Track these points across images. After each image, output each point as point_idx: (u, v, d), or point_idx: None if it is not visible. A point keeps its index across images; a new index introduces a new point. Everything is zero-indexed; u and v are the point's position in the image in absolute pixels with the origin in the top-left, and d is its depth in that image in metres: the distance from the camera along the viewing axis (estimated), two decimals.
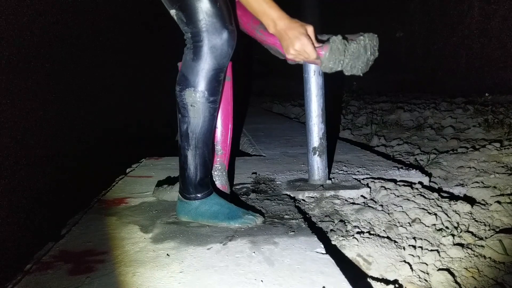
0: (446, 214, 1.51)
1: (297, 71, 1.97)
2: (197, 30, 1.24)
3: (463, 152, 2.44)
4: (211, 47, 1.25)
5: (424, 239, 1.38)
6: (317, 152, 1.79)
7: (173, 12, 1.26)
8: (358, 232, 1.42)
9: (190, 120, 1.31)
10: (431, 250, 1.32)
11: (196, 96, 1.29)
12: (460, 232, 1.43)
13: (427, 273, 1.25)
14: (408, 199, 1.61)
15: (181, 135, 1.34)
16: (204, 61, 1.26)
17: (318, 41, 1.29)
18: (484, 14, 5.21)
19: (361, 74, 1.32)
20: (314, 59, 1.28)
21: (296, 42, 1.23)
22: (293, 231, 1.28)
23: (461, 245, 1.35)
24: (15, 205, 1.79)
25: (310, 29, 1.26)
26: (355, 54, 1.29)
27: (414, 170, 1.99)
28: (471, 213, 1.54)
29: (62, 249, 1.19)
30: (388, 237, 1.40)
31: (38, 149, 2.01)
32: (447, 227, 1.44)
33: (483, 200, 1.75)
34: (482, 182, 1.93)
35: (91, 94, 2.75)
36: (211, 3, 1.22)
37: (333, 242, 1.38)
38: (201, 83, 1.28)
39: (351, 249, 1.34)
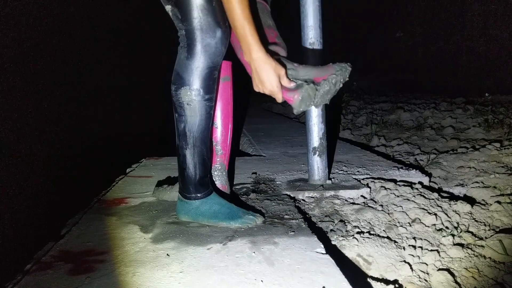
0: (446, 214, 1.51)
1: None
2: (191, 28, 1.24)
3: (463, 152, 2.44)
4: (205, 46, 1.25)
5: (424, 239, 1.38)
6: (317, 152, 1.79)
7: (168, 8, 1.26)
8: (358, 232, 1.42)
9: (187, 119, 1.31)
10: (431, 250, 1.32)
11: (192, 95, 1.29)
12: (460, 232, 1.43)
13: (427, 273, 1.25)
14: (408, 199, 1.61)
15: (179, 135, 1.34)
16: (198, 59, 1.26)
17: (290, 81, 1.25)
18: (484, 14, 5.21)
19: (328, 102, 1.31)
20: (280, 102, 1.26)
21: (267, 85, 1.21)
22: (293, 231, 1.28)
23: (461, 245, 1.35)
24: (15, 205, 1.79)
25: (282, 73, 1.22)
26: (326, 92, 1.27)
27: (414, 170, 1.99)
28: (471, 213, 1.54)
29: (62, 249, 1.19)
30: (388, 237, 1.40)
31: (38, 149, 2.01)
32: (447, 227, 1.44)
33: (483, 200, 1.75)
34: (482, 182, 1.93)
35: (91, 95, 2.75)
36: (207, 0, 1.22)
37: (333, 242, 1.38)
38: (196, 81, 1.28)
39: (351, 249, 1.34)
